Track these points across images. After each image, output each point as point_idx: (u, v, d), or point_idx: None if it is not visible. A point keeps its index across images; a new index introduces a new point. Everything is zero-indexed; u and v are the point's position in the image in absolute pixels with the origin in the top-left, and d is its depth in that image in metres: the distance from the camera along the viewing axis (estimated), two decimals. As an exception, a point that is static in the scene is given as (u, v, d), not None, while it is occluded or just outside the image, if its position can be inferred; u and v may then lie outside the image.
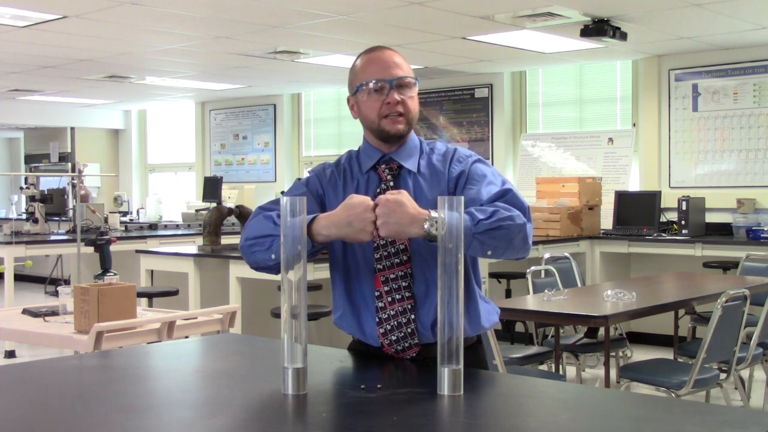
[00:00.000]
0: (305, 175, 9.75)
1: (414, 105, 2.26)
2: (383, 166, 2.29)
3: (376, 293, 2.23)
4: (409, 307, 2.21)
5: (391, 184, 2.26)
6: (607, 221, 7.69)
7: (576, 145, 8.31)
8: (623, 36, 6.36)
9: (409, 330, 2.22)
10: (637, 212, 7.56)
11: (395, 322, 2.22)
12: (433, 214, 1.99)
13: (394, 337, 2.23)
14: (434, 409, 1.85)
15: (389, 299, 2.22)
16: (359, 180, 2.30)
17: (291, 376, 1.89)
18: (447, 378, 1.89)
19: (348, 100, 2.33)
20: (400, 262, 2.22)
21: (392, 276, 2.22)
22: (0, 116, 11.57)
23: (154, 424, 1.75)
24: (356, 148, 2.38)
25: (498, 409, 1.95)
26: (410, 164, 2.28)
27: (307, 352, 1.92)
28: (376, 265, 2.23)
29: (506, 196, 2.15)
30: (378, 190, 2.26)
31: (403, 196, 2.03)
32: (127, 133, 12.65)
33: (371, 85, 2.22)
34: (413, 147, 2.30)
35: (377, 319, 2.24)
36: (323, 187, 2.32)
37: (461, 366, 1.89)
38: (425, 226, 2.00)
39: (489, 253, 2.09)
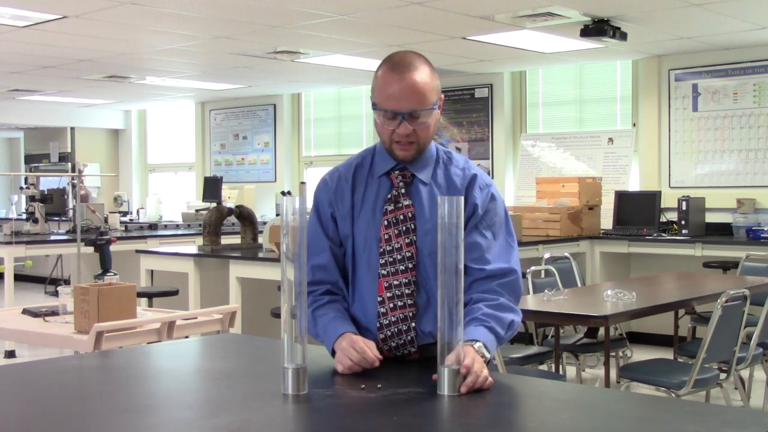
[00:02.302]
0: (305, 174, 9.53)
1: (428, 132, 2.21)
2: (396, 172, 2.27)
3: (379, 299, 2.23)
4: (411, 315, 2.21)
5: (402, 191, 2.25)
6: (607, 221, 7.69)
7: (576, 145, 8.31)
8: (623, 36, 6.36)
9: (409, 338, 2.22)
10: (637, 212, 7.56)
11: (395, 329, 2.22)
12: (480, 347, 2.05)
13: (393, 344, 2.24)
14: (434, 409, 1.86)
15: (391, 305, 2.22)
16: (370, 184, 2.29)
17: (291, 376, 1.89)
18: (447, 378, 1.89)
19: (372, 106, 2.27)
20: (405, 269, 2.22)
21: (396, 282, 2.21)
22: (0, 116, 11.57)
23: (154, 424, 1.75)
24: (372, 147, 2.35)
25: (498, 409, 1.95)
26: (424, 175, 2.26)
27: (307, 352, 1.92)
28: (381, 270, 2.23)
29: (509, 277, 2.22)
30: (389, 196, 2.25)
31: (479, 365, 1.99)
32: (127, 133, 12.65)
33: (385, 112, 2.18)
34: (429, 157, 2.28)
35: (378, 325, 2.24)
36: (332, 204, 2.30)
37: (460, 366, 1.90)
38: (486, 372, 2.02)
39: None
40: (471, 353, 1.96)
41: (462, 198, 1.92)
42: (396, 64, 2.18)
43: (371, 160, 2.32)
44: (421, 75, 2.17)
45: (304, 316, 1.91)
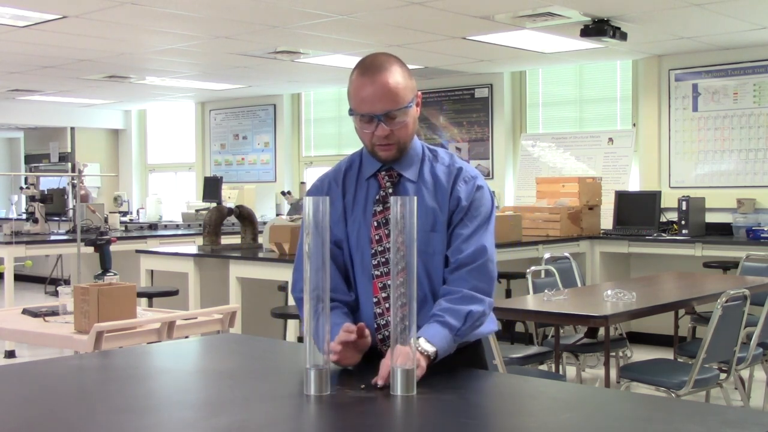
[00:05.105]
0: (305, 174, 9.52)
1: (406, 131, 2.22)
2: (383, 173, 2.29)
3: (374, 300, 2.24)
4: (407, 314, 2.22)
5: (390, 191, 2.26)
6: (607, 221, 7.69)
7: (576, 145, 8.31)
8: (623, 36, 6.36)
9: None
10: (637, 212, 7.56)
11: None
12: (424, 345, 2.05)
13: None
14: (434, 408, 1.86)
15: (387, 306, 2.23)
16: (359, 187, 2.30)
17: (313, 377, 1.89)
18: (399, 378, 1.90)
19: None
20: (402, 268, 2.22)
21: (390, 283, 2.22)
22: (0, 116, 11.56)
23: (154, 424, 1.75)
24: (360, 150, 2.36)
25: (498, 409, 1.95)
26: (410, 174, 2.27)
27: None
28: (374, 271, 2.24)
29: (479, 260, 2.21)
30: (377, 197, 2.27)
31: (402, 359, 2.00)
32: (127, 133, 12.65)
33: (361, 116, 2.19)
34: (414, 155, 2.29)
35: (375, 325, 2.25)
36: None
37: (414, 367, 1.91)
38: (431, 359, 2.05)
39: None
40: (404, 351, 1.97)
41: (415, 198, 1.94)
42: (367, 68, 2.19)
43: (359, 163, 2.33)
44: (393, 75, 2.17)
45: (327, 317, 1.92)
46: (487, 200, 2.29)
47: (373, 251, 2.24)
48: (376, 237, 2.24)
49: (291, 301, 5.66)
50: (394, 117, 2.17)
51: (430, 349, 2.06)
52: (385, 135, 2.18)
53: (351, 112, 2.21)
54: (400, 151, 2.24)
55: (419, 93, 2.25)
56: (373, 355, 2.27)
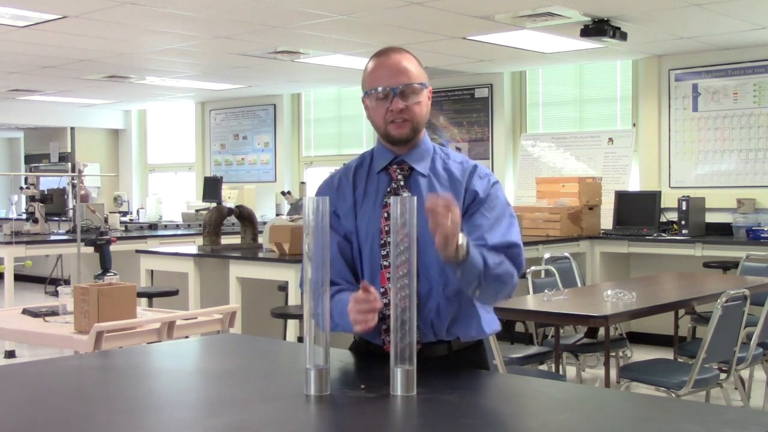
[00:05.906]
0: (305, 174, 9.54)
1: (420, 110, 2.27)
2: (394, 166, 2.31)
3: (381, 290, 2.25)
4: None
5: (402, 184, 2.29)
6: (607, 221, 7.69)
7: (576, 145, 8.31)
8: (623, 36, 6.36)
9: None
10: (637, 212, 7.56)
11: None
12: (461, 240, 2.04)
13: None
14: (434, 409, 1.86)
15: None
16: (370, 181, 2.33)
17: (313, 377, 1.89)
18: (399, 378, 1.89)
19: (363, 100, 2.34)
20: (405, 259, 2.22)
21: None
22: (0, 116, 11.56)
23: (154, 424, 1.75)
24: (371, 149, 2.40)
25: (498, 409, 1.95)
26: (422, 167, 2.30)
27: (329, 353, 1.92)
28: (383, 261, 2.25)
29: (512, 249, 2.23)
30: (388, 189, 2.29)
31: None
32: (127, 133, 12.65)
33: (377, 92, 2.24)
34: (425, 150, 2.33)
35: (381, 316, 2.25)
36: (333, 202, 2.31)
37: (414, 367, 1.91)
38: (460, 242, 2.03)
39: (476, 293, 2.17)
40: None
41: (415, 198, 1.95)
42: (382, 52, 2.31)
43: (370, 159, 2.37)
44: (407, 58, 2.28)
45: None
46: (502, 194, 2.34)
47: (382, 242, 2.25)
48: (386, 228, 2.26)
49: (291, 301, 5.66)
50: (408, 95, 2.23)
51: (465, 245, 2.04)
52: (399, 110, 2.23)
53: (366, 93, 2.27)
54: (413, 131, 2.27)
55: (430, 88, 2.31)
56: (374, 355, 2.27)
